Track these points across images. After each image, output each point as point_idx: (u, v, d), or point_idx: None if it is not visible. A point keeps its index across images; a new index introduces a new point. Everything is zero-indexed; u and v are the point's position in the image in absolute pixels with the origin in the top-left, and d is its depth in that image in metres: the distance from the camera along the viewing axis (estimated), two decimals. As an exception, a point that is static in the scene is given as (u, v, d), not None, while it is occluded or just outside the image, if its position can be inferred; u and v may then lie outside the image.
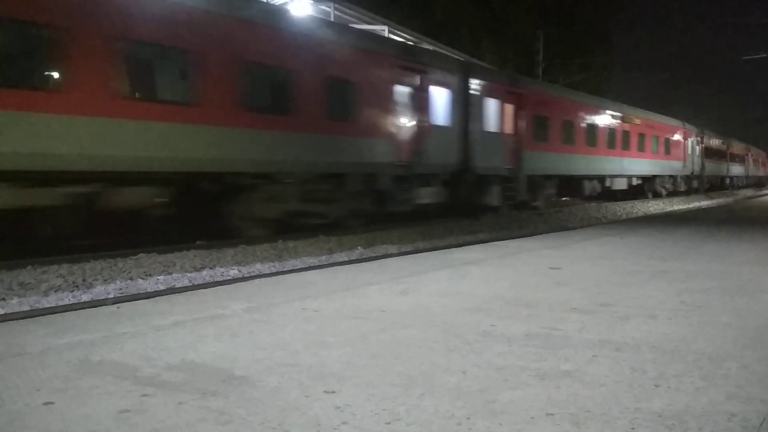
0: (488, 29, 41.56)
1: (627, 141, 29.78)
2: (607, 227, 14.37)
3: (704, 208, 24.18)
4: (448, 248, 10.42)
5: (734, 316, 4.98)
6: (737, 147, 56.75)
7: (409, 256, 9.42)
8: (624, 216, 22.02)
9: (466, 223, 16.82)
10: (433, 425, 2.82)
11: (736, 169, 56.55)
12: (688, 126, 40.31)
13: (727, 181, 53.62)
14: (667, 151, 35.41)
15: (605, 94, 41.24)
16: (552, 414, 2.94)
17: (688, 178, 40.29)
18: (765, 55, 46.39)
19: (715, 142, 47.70)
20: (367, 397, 3.15)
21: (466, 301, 5.51)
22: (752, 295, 5.87)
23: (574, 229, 14.72)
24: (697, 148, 42.01)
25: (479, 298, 5.64)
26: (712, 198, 36.66)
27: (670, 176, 36.77)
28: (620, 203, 28.12)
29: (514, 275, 7.04)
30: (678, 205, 29.12)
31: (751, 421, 2.86)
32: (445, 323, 4.72)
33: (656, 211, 24.01)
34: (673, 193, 37.29)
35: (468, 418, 2.89)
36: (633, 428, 2.79)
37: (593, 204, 26.54)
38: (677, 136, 37.34)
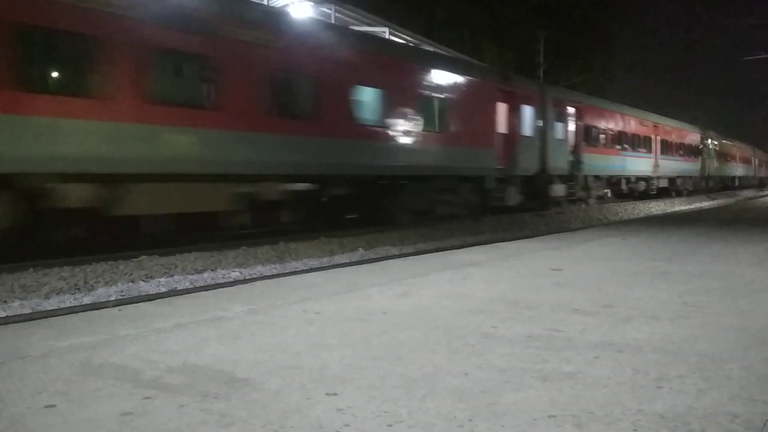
0: (489, 30, 41.58)
1: (216, 91, 11.77)
2: (608, 228, 14.36)
3: (706, 209, 24.18)
4: (450, 250, 10.42)
5: (736, 317, 4.96)
6: (674, 131, 37.24)
7: (410, 257, 9.42)
8: (626, 217, 22.00)
9: (467, 224, 16.81)
10: (435, 427, 2.82)
11: (672, 165, 36.40)
12: (521, 84, 21.63)
13: (654, 184, 33.93)
14: (436, 125, 16.95)
15: (606, 95, 41.21)
16: (554, 416, 2.94)
17: (528, 180, 21.28)
18: (765, 56, 44.84)
19: (616, 119, 28.97)
20: (368, 399, 3.15)
21: (467, 303, 5.50)
22: (754, 296, 5.85)
23: (575, 230, 14.71)
24: (560, 128, 23.31)
25: (481, 300, 5.63)
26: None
27: (459, 178, 17.91)
28: (622, 204, 27.99)
29: (515, 276, 7.03)
30: (679, 205, 29.11)
31: (754, 423, 2.85)
32: (446, 325, 4.71)
33: (658, 212, 24.00)
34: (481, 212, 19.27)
35: (470, 420, 2.89)
36: (635, 430, 2.78)
37: (595, 205, 26.39)
38: (469, 98, 18.12)
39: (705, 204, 30.30)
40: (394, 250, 11.73)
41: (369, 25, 23.35)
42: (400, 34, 24.73)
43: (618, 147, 29.15)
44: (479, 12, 41.30)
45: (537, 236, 12.70)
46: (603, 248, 9.80)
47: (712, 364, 3.71)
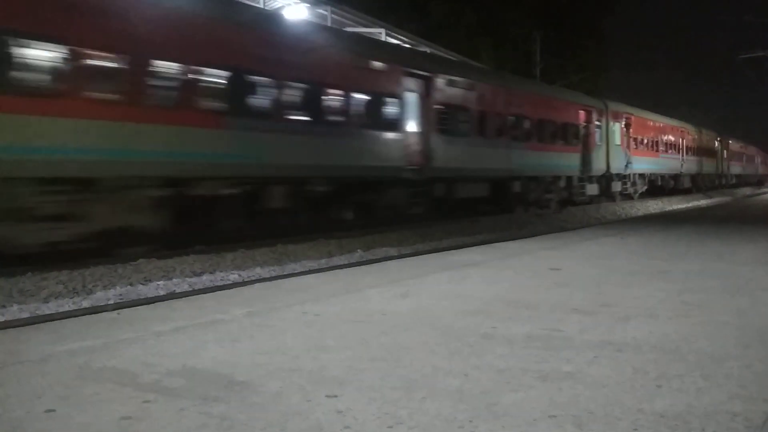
0: (485, 31, 41.64)
1: None
2: (606, 227, 14.37)
3: (704, 207, 24.24)
4: (448, 250, 10.41)
5: (735, 315, 4.97)
6: (498, 95, 20.39)
7: (408, 258, 9.41)
8: (624, 216, 22.03)
9: (465, 224, 16.81)
10: (435, 428, 2.82)
11: (493, 158, 19.68)
12: None
13: (424, 192, 16.64)
14: None
15: (602, 94, 41.20)
16: (554, 416, 2.93)
17: None
18: (762, 54, 44.51)
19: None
20: (368, 401, 3.15)
21: (466, 303, 5.50)
22: (753, 294, 5.86)
23: (573, 229, 14.72)
24: None
25: (480, 300, 5.63)
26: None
27: None
28: (620, 203, 28.01)
29: (514, 277, 7.03)
30: (677, 204, 29.16)
31: (753, 421, 2.86)
32: (445, 326, 4.71)
33: (656, 211, 24.04)
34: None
35: (470, 421, 2.88)
36: (635, 429, 2.78)
37: (593, 204, 26.44)
38: None
39: (703, 202, 30.32)
40: (393, 251, 11.73)
41: (365, 26, 23.36)
42: (396, 35, 24.74)
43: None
44: (475, 12, 41.35)
45: (535, 236, 12.70)
46: (601, 247, 9.81)
47: (712, 363, 3.72)
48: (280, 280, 7.28)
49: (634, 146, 30.74)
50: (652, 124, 34.07)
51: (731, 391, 3.24)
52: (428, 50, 25.38)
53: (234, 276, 9.23)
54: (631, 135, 30.22)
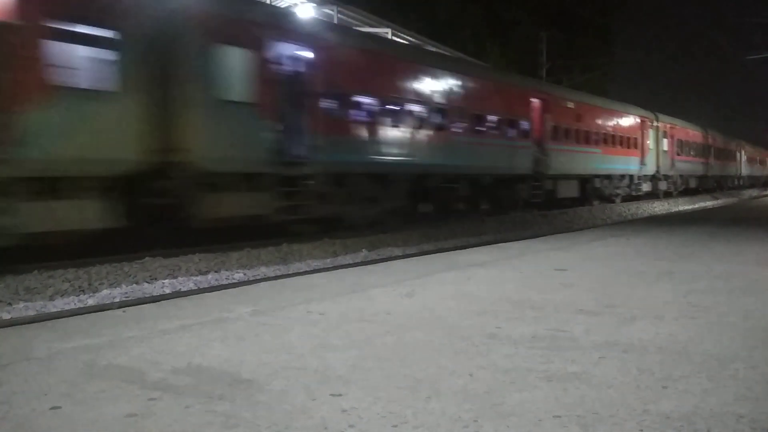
0: (492, 31, 41.61)
1: None
2: (612, 228, 14.34)
3: (710, 208, 24.18)
4: (453, 250, 10.41)
5: (741, 316, 4.95)
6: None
7: (414, 258, 9.41)
8: (629, 217, 22.00)
9: (470, 224, 16.81)
10: (440, 428, 2.82)
11: None
12: None
13: None
14: None
15: (608, 94, 41.04)
16: (559, 416, 2.93)
17: None
18: (769, 55, 43.86)
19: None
20: (373, 400, 3.15)
21: (471, 303, 5.50)
22: (759, 295, 5.84)
23: (579, 230, 14.70)
24: None
25: (485, 300, 5.62)
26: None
27: None
28: (624, 204, 27.94)
29: (519, 277, 7.02)
30: (683, 205, 29.08)
31: (759, 422, 2.85)
32: (451, 325, 4.71)
33: (662, 212, 23.99)
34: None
35: (475, 421, 2.88)
36: (641, 430, 2.78)
37: (598, 205, 26.41)
38: None
39: (709, 203, 30.24)
40: (398, 251, 11.74)
41: (371, 26, 23.36)
42: (402, 35, 24.73)
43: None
44: (482, 12, 41.34)
45: (541, 236, 12.69)
46: (607, 248, 9.79)
47: (718, 364, 3.71)
48: (285, 280, 7.29)
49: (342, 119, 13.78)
50: (428, 75, 16.54)
51: (737, 392, 3.23)
52: (435, 50, 25.35)
53: (239, 275, 9.25)
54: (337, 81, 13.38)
